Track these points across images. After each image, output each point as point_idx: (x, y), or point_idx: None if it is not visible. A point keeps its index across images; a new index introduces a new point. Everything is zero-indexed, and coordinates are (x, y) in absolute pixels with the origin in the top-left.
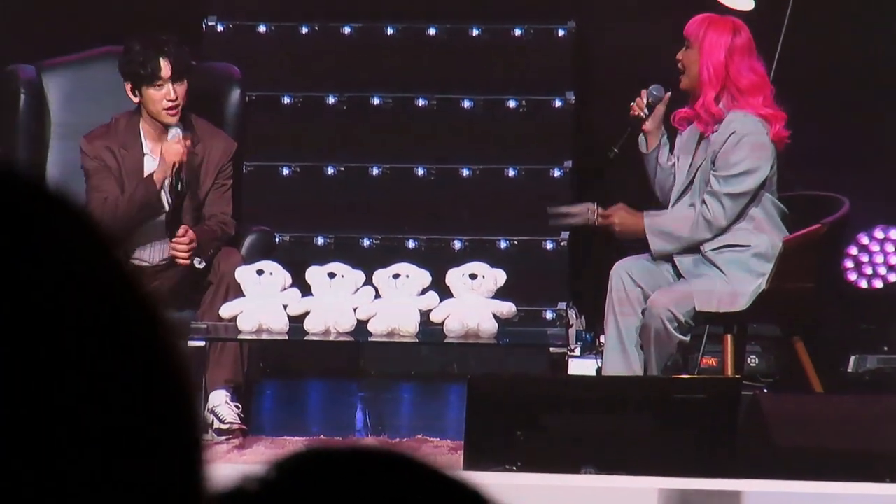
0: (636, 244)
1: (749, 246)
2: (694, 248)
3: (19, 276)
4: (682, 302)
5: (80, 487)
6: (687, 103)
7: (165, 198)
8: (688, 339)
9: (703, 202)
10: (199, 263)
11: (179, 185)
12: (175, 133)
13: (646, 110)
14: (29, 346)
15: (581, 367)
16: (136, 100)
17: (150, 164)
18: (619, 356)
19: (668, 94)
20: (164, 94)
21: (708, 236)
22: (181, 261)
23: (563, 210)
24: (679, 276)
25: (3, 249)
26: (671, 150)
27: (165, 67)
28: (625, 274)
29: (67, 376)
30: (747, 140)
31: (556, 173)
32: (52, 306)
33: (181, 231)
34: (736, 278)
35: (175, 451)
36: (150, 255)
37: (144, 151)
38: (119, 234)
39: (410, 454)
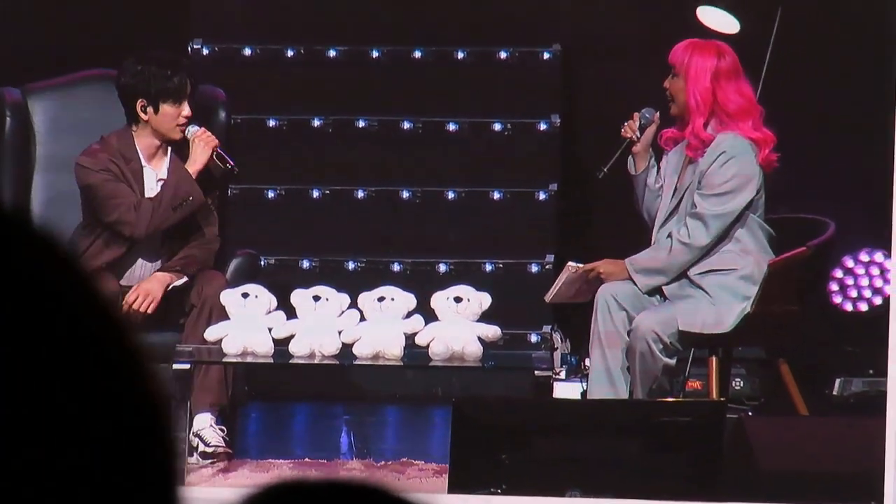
0: None
1: (735, 269)
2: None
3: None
4: (668, 324)
5: None
6: (674, 124)
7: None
8: (673, 361)
9: (684, 225)
10: (179, 281)
11: (230, 165)
12: (195, 126)
13: (637, 133)
14: (8, 374)
15: (566, 390)
16: (145, 117)
17: (150, 177)
18: (604, 382)
19: (658, 114)
20: (181, 110)
21: (689, 258)
22: (209, 147)
23: (554, 290)
24: (664, 298)
25: None
26: (658, 171)
27: (189, 84)
28: (610, 297)
29: (44, 404)
30: (734, 161)
31: (542, 196)
32: (29, 338)
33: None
34: (721, 300)
35: (151, 479)
36: (136, 276)
37: (143, 164)
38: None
39: (385, 486)
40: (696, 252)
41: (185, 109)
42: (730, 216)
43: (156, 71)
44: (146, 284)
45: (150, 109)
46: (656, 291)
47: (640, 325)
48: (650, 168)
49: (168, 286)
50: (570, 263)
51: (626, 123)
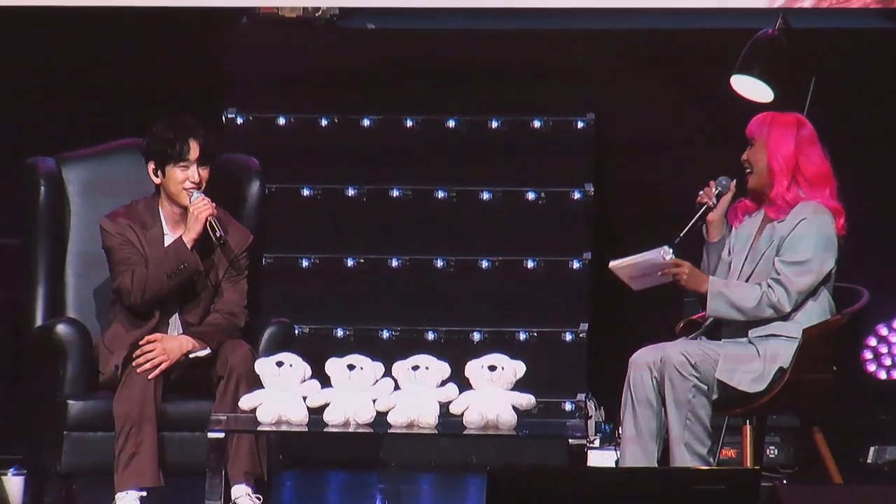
0: (655, 337)
1: (797, 338)
2: (741, 331)
3: None
4: (698, 351)
5: None
6: (747, 198)
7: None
8: (705, 387)
9: (769, 286)
10: (202, 353)
11: (218, 234)
12: (198, 194)
13: (714, 199)
14: None
15: (600, 458)
16: (157, 181)
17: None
18: (637, 449)
19: (734, 182)
20: (189, 175)
21: (767, 315)
22: (205, 214)
23: (626, 261)
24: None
25: None
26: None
27: (194, 149)
28: (643, 366)
29: None
30: (816, 230)
31: (576, 265)
32: None
33: (202, 197)
34: (768, 363)
35: None
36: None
37: (165, 232)
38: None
39: None
40: (774, 314)
41: (194, 175)
42: (809, 290)
43: (161, 135)
44: (167, 344)
45: (160, 173)
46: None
47: (668, 352)
48: (726, 238)
49: (187, 354)
50: (664, 247)
51: (702, 190)
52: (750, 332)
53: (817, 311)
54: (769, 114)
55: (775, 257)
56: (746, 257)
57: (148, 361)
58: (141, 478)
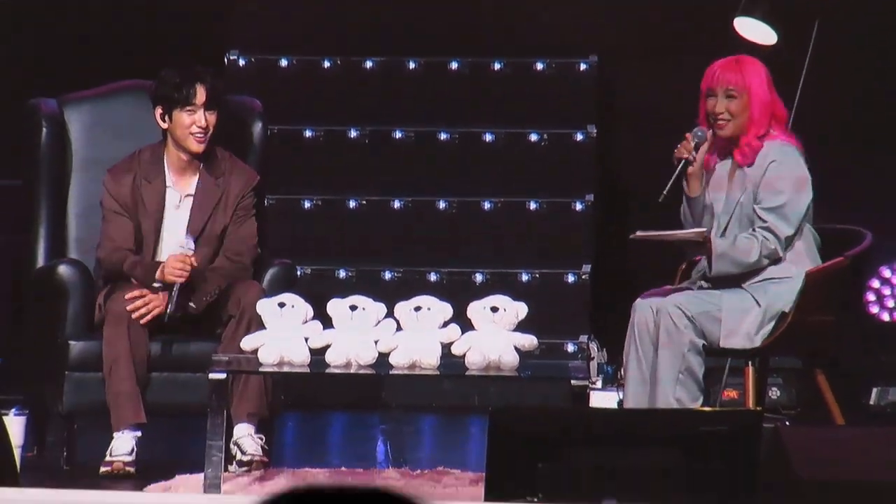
0: (657, 279)
1: (790, 277)
2: (734, 281)
3: None
4: (698, 303)
5: None
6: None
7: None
8: (700, 342)
9: (764, 237)
10: (193, 308)
11: (174, 307)
12: (184, 248)
13: (693, 152)
14: None
15: (602, 399)
16: (164, 125)
17: (172, 197)
18: (640, 391)
19: (710, 132)
20: (195, 120)
21: (763, 264)
22: (173, 278)
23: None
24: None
25: None
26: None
27: (201, 93)
28: (647, 308)
29: None
30: (787, 167)
31: (578, 206)
32: None
33: (184, 257)
34: (769, 312)
35: None
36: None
37: (167, 184)
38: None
39: (395, 491)
40: (766, 262)
41: (201, 119)
42: (796, 231)
43: (169, 80)
44: (151, 295)
45: (168, 118)
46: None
47: (666, 302)
48: (706, 189)
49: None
50: (701, 230)
51: (679, 145)
52: (744, 283)
53: (804, 249)
54: (734, 61)
55: (755, 205)
56: (723, 206)
57: (138, 311)
58: (124, 417)
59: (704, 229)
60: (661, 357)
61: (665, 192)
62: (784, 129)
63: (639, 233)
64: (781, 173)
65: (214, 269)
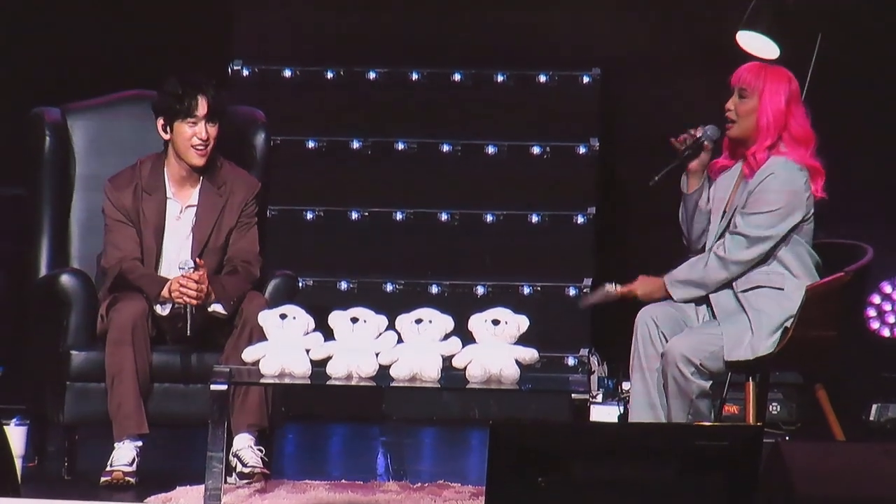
0: None
1: (782, 288)
2: (723, 289)
3: None
4: (699, 347)
5: None
6: (729, 146)
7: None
8: (708, 384)
9: (715, 246)
10: (221, 309)
11: (191, 326)
12: (184, 269)
13: (688, 147)
14: None
15: (603, 413)
16: (166, 136)
17: (173, 208)
18: (645, 406)
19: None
20: (196, 132)
21: (725, 275)
22: (188, 300)
23: (589, 300)
24: (713, 316)
25: None
26: (709, 193)
27: (202, 105)
28: (650, 320)
29: None
30: (782, 184)
31: (580, 219)
32: None
33: (195, 275)
34: (767, 320)
35: None
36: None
37: (168, 196)
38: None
39: None
40: (733, 268)
41: (202, 131)
42: (773, 239)
43: (171, 91)
44: (203, 285)
45: (169, 129)
46: (693, 301)
47: (670, 350)
48: (703, 189)
49: (207, 306)
50: (607, 286)
51: (685, 134)
52: (735, 285)
53: (796, 263)
54: (761, 65)
55: (740, 210)
56: (722, 216)
57: (182, 291)
58: (126, 427)
59: (609, 289)
60: (673, 406)
61: (657, 178)
62: (804, 149)
63: (583, 305)
64: (773, 187)
65: (233, 274)
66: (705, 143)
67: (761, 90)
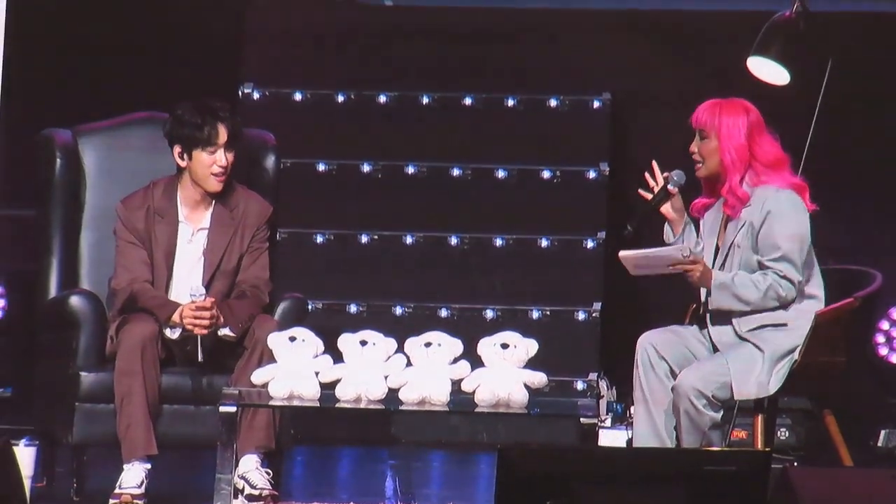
0: (667, 317)
1: (785, 325)
2: (726, 321)
3: None
4: (710, 379)
5: None
6: (701, 187)
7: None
8: (719, 415)
9: (777, 282)
10: (230, 332)
11: (202, 354)
12: (195, 296)
13: (655, 195)
14: None
15: (611, 437)
16: (183, 164)
17: (185, 231)
18: (649, 430)
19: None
20: (216, 160)
21: (769, 307)
22: (198, 330)
23: (638, 253)
24: (713, 348)
25: None
26: (698, 234)
27: (223, 133)
28: (650, 347)
29: None
30: (785, 222)
31: (590, 244)
32: None
33: (208, 302)
34: (771, 359)
35: None
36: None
37: (180, 219)
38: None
39: None
40: (797, 289)
41: (222, 159)
42: (803, 260)
43: (189, 119)
44: (214, 311)
45: (186, 156)
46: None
47: (681, 384)
48: (687, 232)
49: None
50: (683, 244)
51: (651, 183)
52: (737, 325)
53: (802, 294)
54: (716, 102)
55: (758, 257)
56: (716, 254)
57: (196, 320)
58: (135, 448)
59: (686, 245)
60: (686, 441)
61: (630, 228)
62: (779, 172)
63: (622, 252)
64: (779, 225)
65: (241, 297)
66: (670, 188)
67: (718, 128)
